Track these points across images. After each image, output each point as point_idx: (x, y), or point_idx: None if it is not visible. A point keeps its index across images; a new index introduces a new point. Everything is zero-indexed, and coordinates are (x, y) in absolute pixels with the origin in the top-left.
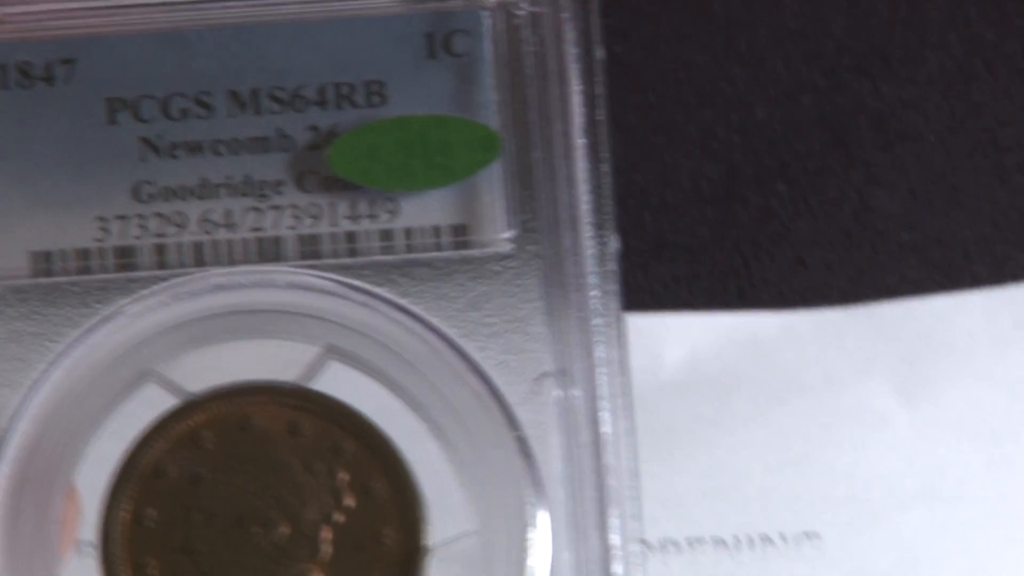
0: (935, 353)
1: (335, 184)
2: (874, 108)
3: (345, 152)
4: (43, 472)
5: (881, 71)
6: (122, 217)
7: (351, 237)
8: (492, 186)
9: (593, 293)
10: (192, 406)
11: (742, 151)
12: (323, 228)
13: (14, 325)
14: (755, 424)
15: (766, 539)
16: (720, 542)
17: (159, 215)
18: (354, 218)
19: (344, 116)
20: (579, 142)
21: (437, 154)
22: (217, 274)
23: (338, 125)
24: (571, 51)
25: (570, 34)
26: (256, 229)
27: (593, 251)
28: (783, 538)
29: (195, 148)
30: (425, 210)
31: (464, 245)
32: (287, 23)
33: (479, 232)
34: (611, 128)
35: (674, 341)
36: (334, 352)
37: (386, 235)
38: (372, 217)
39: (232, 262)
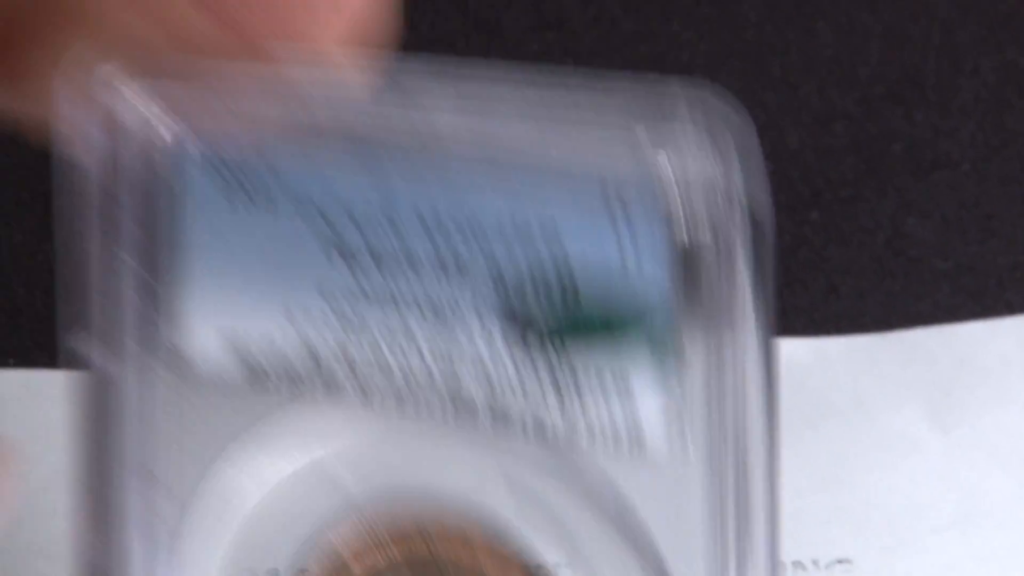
0: (969, 379)
1: (528, 350)
2: (907, 136)
3: (540, 336)
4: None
5: (914, 98)
6: (310, 319)
7: (537, 420)
8: (674, 389)
9: (756, 518)
10: (377, 513)
11: (775, 178)
12: (514, 403)
13: (193, 411)
14: (786, 449)
15: (798, 565)
16: None
17: (345, 325)
18: (544, 399)
19: (523, 255)
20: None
21: (629, 349)
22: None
23: (517, 262)
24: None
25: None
26: (436, 358)
27: (759, 475)
28: (815, 564)
29: (382, 263)
30: (609, 406)
31: (640, 444)
32: (477, 160)
33: (658, 433)
34: None
35: None
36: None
37: (569, 423)
38: (560, 403)
39: (415, 391)
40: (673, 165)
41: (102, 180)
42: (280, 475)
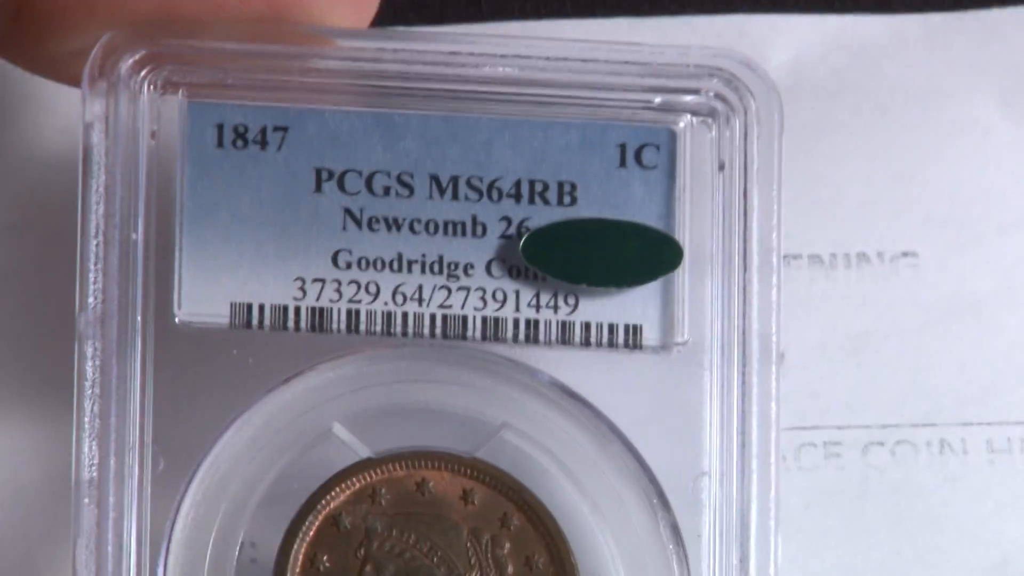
0: None
1: (521, 273)
2: None
3: (537, 244)
4: (223, 512)
5: None
6: (320, 280)
7: (532, 324)
8: (669, 292)
9: (757, 402)
10: (373, 464)
11: None
12: (506, 313)
13: (210, 370)
14: (857, 133)
15: (862, 257)
16: (816, 258)
17: (355, 283)
18: (536, 307)
19: (536, 211)
20: (755, 256)
21: (621, 257)
22: (403, 344)
23: (529, 219)
24: (755, 166)
25: (755, 149)
26: (443, 306)
27: (760, 365)
28: (880, 256)
29: (394, 224)
30: (604, 308)
31: (637, 344)
32: (491, 118)
33: (653, 334)
34: None
35: (781, 43)
36: (508, 429)
37: (565, 327)
38: (553, 308)
39: (418, 335)
40: (687, 127)
41: (116, 155)
42: (278, 438)
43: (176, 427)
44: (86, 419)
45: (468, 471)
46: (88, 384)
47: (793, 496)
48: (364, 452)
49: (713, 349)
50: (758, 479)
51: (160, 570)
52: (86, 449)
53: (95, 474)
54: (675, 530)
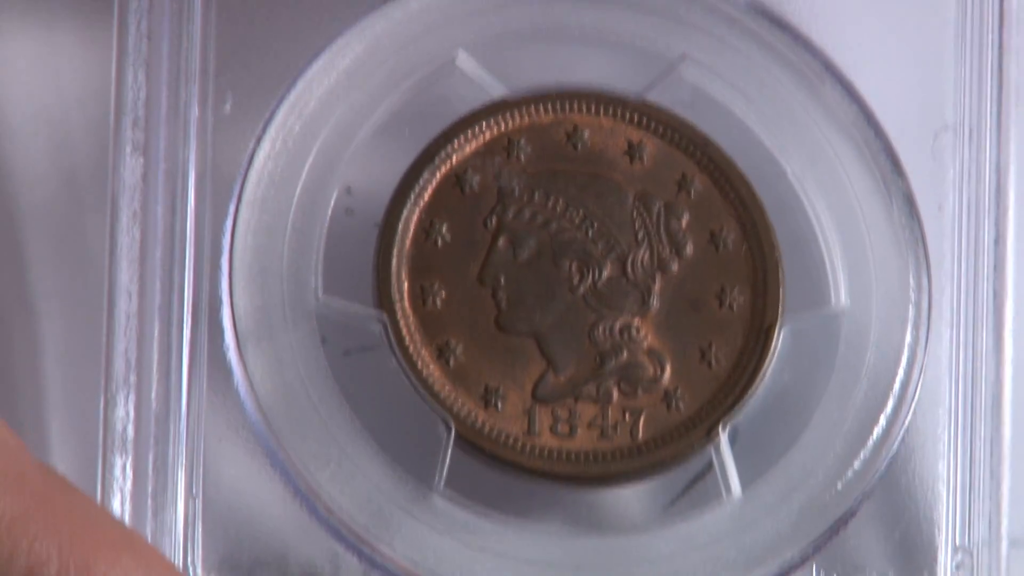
0: None
1: None
2: None
3: None
4: (311, 164)
5: None
6: None
7: None
8: None
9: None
10: (509, 106)
11: None
12: None
13: None
14: None
15: None
16: None
17: None
18: None
19: None
20: None
21: None
22: None
23: None
24: None
25: None
26: None
27: None
28: None
29: None
30: None
31: None
32: None
33: None
34: None
35: None
36: (689, 63)
37: None
38: None
39: None
40: None
41: None
42: (384, 69)
43: (250, 54)
44: (130, 40)
45: (635, 117)
46: None
47: None
48: (498, 90)
49: None
50: (1019, 133)
51: (226, 237)
52: (130, 79)
53: (141, 113)
54: (908, 199)
